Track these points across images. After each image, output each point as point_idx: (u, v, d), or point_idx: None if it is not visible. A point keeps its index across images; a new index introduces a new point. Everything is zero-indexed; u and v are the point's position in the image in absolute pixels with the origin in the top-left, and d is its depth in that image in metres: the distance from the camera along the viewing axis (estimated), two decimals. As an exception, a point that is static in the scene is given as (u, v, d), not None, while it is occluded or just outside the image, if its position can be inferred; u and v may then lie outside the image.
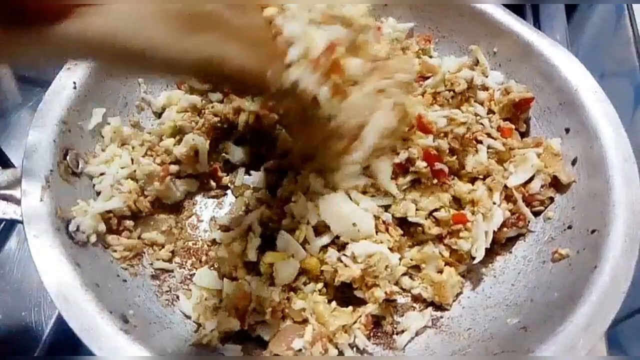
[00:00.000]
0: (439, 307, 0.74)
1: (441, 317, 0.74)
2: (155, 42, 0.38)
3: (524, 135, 0.85)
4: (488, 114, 0.84)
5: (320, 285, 0.71)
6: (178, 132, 0.82)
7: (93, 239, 0.69)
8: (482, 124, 0.81)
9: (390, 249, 0.72)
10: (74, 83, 0.75)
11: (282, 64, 0.55)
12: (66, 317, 0.58)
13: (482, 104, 0.86)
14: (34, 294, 0.81)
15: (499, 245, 0.77)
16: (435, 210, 0.74)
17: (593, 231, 0.68)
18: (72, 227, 0.68)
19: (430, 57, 0.92)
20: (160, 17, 0.38)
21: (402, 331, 0.71)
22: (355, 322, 0.70)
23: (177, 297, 0.73)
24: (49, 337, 0.78)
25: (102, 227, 0.71)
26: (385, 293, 0.69)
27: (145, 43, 0.37)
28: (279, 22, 0.57)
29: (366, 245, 0.70)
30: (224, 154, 0.86)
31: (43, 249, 0.62)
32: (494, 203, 0.75)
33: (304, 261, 0.70)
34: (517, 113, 0.84)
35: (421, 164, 0.73)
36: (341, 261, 0.69)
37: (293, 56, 0.56)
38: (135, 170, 0.78)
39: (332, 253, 0.70)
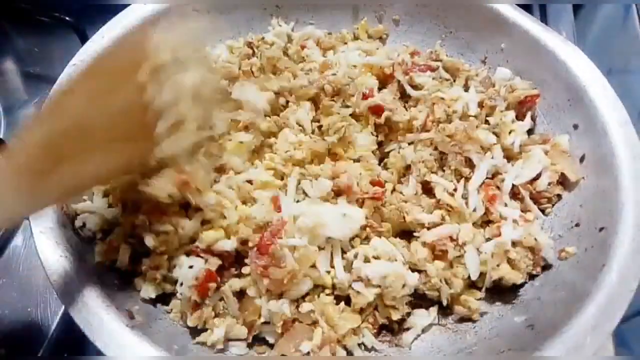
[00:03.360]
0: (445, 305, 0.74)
1: (447, 315, 0.73)
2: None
3: (530, 132, 0.84)
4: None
5: (329, 291, 0.70)
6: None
7: (99, 235, 0.69)
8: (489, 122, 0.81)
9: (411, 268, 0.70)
10: (80, 79, 0.75)
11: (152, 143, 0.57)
12: (72, 313, 0.59)
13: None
14: (40, 291, 0.81)
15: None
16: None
17: (601, 229, 0.68)
18: (77, 223, 0.68)
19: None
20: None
21: (409, 329, 0.71)
22: (363, 321, 0.69)
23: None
24: (55, 333, 0.78)
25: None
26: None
27: None
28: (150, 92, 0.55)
29: (380, 265, 0.67)
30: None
31: (49, 245, 0.62)
32: (505, 204, 0.74)
33: (315, 279, 0.69)
34: (522, 110, 0.83)
35: None
36: (353, 288, 0.67)
37: (161, 129, 0.57)
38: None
39: (342, 276, 0.68)
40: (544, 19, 1.13)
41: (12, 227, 0.82)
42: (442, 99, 0.81)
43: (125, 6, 0.83)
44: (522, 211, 0.75)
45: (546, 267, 0.72)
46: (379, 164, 0.79)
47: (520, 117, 0.83)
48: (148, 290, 0.67)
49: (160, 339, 0.61)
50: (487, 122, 0.81)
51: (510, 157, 0.79)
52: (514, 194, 0.76)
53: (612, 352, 0.78)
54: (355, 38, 0.96)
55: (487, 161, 0.76)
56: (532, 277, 0.72)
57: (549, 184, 0.76)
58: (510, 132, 0.80)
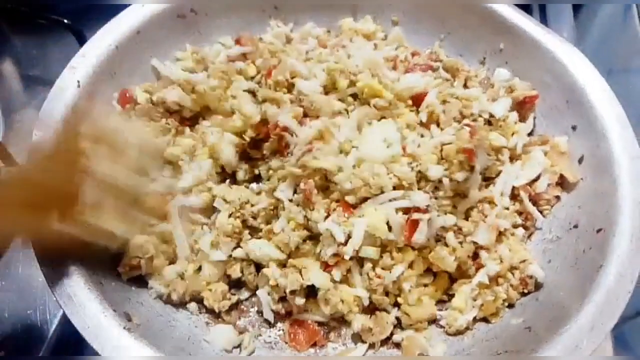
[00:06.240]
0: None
1: (445, 316, 0.73)
2: None
3: (529, 133, 0.83)
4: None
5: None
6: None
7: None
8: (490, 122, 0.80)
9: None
10: (78, 82, 0.75)
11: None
12: (70, 315, 0.59)
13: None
14: (39, 293, 0.81)
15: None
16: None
17: (599, 230, 0.67)
18: (75, 226, 0.68)
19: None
20: None
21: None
22: None
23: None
24: (54, 335, 0.78)
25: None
26: None
27: None
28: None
29: None
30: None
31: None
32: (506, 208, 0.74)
33: None
34: (522, 111, 0.83)
35: None
36: None
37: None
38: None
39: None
40: (543, 19, 1.12)
41: None
42: (457, 97, 0.80)
43: (123, 7, 0.83)
44: (520, 214, 0.75)
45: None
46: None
47: (520, 118, 0.83)
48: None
49: (158, 340, 0.61)
50: (489, 122, 0.81)
51: (512, 158, 0.79)
52: (513, 196, 0.76)
53: (611, 353, 0.78)
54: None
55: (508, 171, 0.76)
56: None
57: (548, 185, 0.76)
58: (512, 134, 0.80)
